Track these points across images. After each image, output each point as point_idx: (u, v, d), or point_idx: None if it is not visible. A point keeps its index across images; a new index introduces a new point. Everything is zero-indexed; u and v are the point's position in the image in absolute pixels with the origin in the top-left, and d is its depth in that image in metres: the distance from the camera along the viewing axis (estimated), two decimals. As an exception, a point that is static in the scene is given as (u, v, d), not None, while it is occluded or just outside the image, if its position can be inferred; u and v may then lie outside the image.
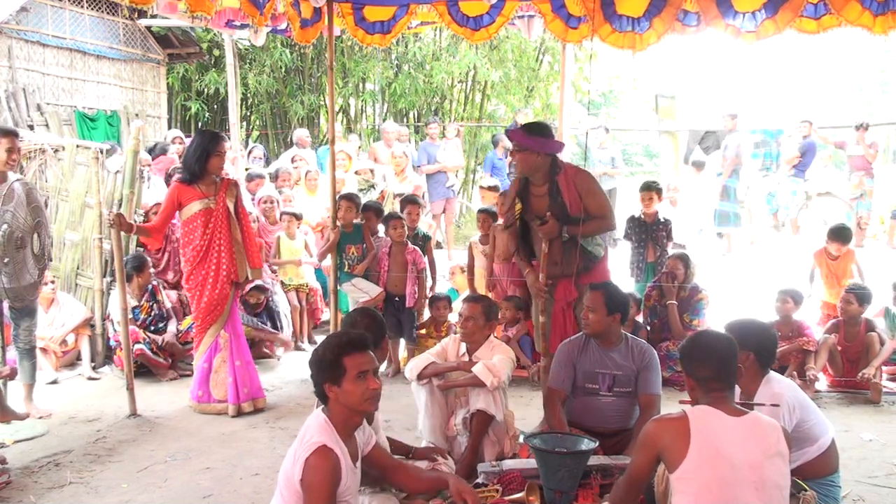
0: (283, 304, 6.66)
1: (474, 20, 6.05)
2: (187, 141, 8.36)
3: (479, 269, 6.48)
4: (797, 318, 5.67)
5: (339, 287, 6.01)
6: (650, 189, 6.44)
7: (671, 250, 6.46)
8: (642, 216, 6.44)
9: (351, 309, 6.09)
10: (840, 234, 6.44)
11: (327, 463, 2.64)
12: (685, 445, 2.63)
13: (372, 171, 8.94)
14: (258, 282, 6.01)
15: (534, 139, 4.34)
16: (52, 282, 5.87)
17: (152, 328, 5.95)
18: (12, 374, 4.70)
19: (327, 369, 2.76)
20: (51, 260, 5.06)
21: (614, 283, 4.28)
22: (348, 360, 2.75)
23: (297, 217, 7.08)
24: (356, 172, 8.65)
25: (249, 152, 9.23)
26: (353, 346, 2.79)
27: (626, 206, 9.51)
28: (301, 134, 9.84)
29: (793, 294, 5.66)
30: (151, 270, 6.08)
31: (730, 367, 2.81)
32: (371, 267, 6.11)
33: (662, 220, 6.49)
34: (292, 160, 8.86)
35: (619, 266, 6.67)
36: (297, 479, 2.66)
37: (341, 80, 12.37)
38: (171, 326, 6.01)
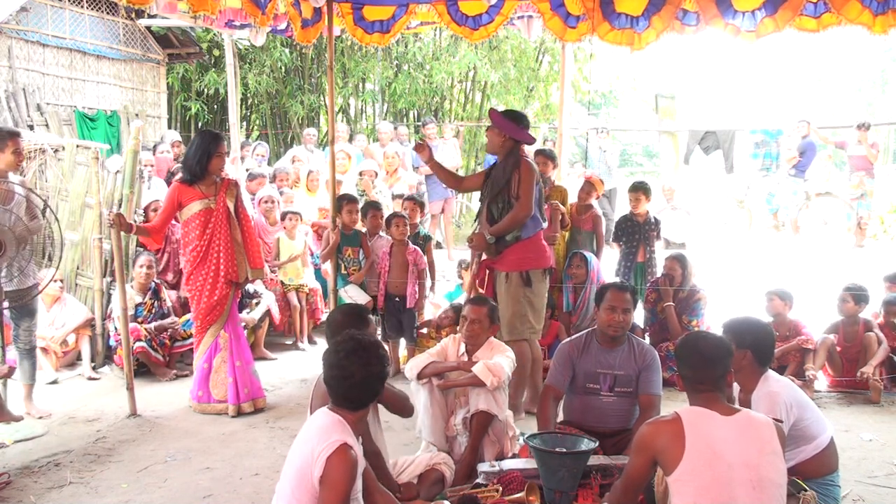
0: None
1: (473, 19, 6.07)
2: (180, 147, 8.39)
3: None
4: (792, 317, 5.66)
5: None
6: (638, 189, 6.45)
7: (667, 250, 6.44)
8: (634, 216, 6.45)
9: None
10: None
11: (349, 460, 2.65)
12: (680, 448, 2.63)
13: (375, 173, 8.80)
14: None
15: (503, 120, 4.78)
16: (61, 280, 5.86)
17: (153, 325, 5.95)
18: (10, 372, 4.72)
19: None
20: (51, 260, 5.05)
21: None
22: None
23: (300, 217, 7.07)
24: (360, 174, 8.60)
25: (253, 150, 9.11)
26: None
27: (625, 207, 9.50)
28: (308, 132, 9.84)
29: (780, 293, 5.64)
30: (147, 269, 5.97)
31: (715, 367, 2.78)
32: (370, 270, 6.11)
33: (653, 219, 6.50)
34: (292, 160, 8.83)
35: (608, 266, 6.70)
36: (315, 477, 2.64)
37: (341, 80, 12.37)
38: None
